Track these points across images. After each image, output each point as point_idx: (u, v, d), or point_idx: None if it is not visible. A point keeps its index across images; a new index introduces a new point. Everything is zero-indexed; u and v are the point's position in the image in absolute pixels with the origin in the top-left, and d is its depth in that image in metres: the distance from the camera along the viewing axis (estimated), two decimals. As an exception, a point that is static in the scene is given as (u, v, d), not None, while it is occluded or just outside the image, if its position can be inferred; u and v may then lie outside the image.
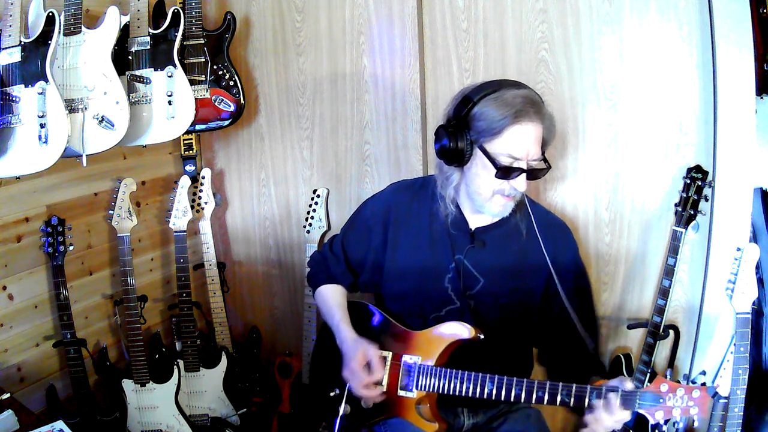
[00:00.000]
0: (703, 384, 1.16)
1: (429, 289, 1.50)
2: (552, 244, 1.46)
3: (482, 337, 1.38)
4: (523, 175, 1.35)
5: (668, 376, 1.31)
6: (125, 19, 1.76)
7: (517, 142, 1.33)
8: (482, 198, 1.41)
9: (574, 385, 1.22)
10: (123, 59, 1.77)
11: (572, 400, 1.22)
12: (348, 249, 1.64)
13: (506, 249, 1.48)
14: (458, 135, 1.36)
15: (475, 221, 1.50)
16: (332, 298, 1.61)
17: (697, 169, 1.60)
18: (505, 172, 1.34)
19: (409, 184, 1.63)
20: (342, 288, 1.65)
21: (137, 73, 1.79)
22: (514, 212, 1.46)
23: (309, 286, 1.74)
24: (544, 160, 1.39)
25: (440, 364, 1.39)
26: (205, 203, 2.22)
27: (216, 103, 2.01)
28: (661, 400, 1.13)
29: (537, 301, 1.50)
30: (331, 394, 1.48)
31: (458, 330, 1.39)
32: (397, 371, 1.43)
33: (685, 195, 1.60)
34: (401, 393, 1.41)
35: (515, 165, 1.34)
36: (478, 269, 1.48)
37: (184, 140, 2.20)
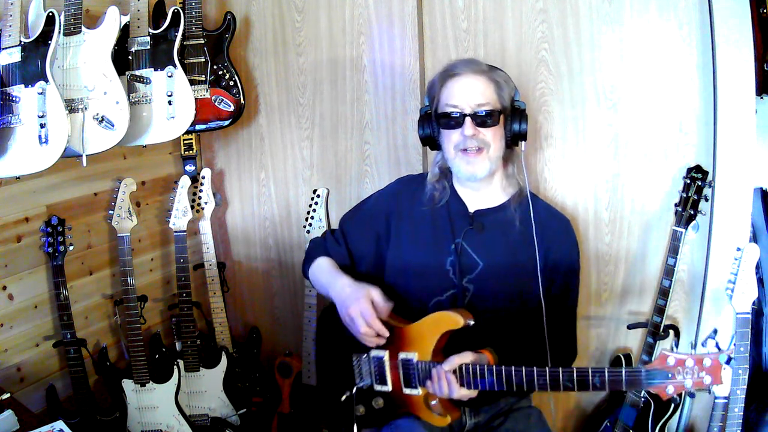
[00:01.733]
0: (717, 348, 1.08)
1: (431, 273, 1.50)
2: (550, 235, 1.48)
3: (472, 323, 1.37)
4: (468, 119, 1.40)
5: (675, 349, 1.26)
6: (125, 19, 1.76)
7: (453, 91, 1.43)
8: (451, 162, 1.48)
9: (575, 369, 1.20)
10: (123, 59, 1.77)
11: (575, 385, 1.20)
12: (349, 236, 1.64)
13: (505, 234, 1.49)
14: (425, 120, 1.51)
15: (473, 203, 1.52)
16: (327, 263, 1.60)
17: (697, 169, 1.60)
18: (446, 120, 1.44)
19: (414, 176, 1.68)
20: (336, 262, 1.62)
21: (137, 73, 1.79)
22: (515, 198, 1.50)
23: (303, 268, 1.68)
24: (504, 111, 1.44)
25: (437, 357, 1.38)
26: (205, 203, 2.22)
27: (216, 103, 2.01)
28: (670, 375, 1.08)
29: (536, 290, 1.47)
30: (343, 398, 1.47)
31: (448, 320, 1.37)
32: (397, 370, 1.42)
33: (685, 195, 1.61)
34: (407, 391, 1.41)
35: (458, 112, 1.42)
36: (477, 252, 1.48)
37: (184, 140, 2.20)
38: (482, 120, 1.41)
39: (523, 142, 1.47)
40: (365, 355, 1.48)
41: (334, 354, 1.57)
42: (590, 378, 1.18)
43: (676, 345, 1.74)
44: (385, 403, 1.44)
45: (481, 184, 1.50)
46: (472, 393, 1.32)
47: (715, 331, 1.56)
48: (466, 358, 1.32)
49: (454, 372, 1.31)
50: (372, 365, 1.46)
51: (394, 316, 1.47)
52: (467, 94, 1.42)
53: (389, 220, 1.58)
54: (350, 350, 1.51)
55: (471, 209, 1.52)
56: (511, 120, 1.46)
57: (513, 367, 1.25)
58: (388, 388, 1.44)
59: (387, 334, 1.40)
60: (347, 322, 1.43)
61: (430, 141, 1.53)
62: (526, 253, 1.46)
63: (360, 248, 1.62)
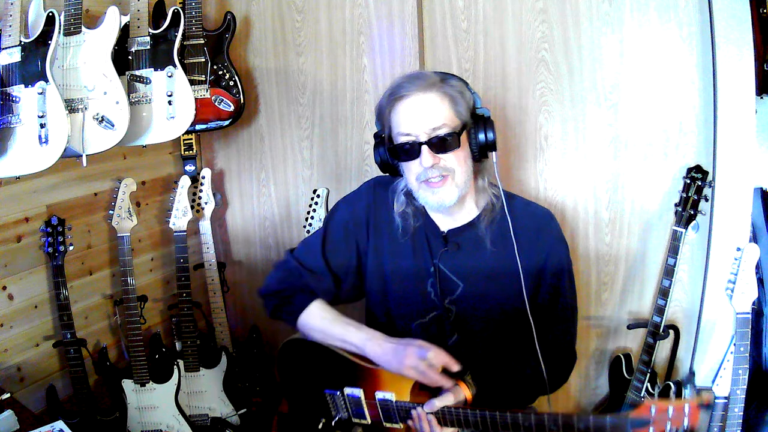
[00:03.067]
0: (699, 391, 1.14)
1: (412, 295, 1.45)
2: (531, 237, 1.38)
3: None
4: (425, 148, 1.27)
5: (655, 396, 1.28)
6: (125, 19, 1.76)
7: (402, 117, 1.30)
8: (415, 193, 1.36)
9: (560, 415, 1.16)
10: (123, 59, 1.77)
11: (560, 428, 1.16)
12: (330, 257, 1.49)
13: (483, 249, 1.39)
14: (380, 145, 1.39)
15: (445, 224, 1.43)
16: (327, 312, 1.46)
17: (697, 169, 1.60)
18: (402, 152, 1.31)
19: (388, 181, 1.49)
20: (326, 303, 1.49)
21: (137, 73, 1.79)
22: (489, 211, 1.40)
23: (283, 319, 1.50)
24: (464, 128, 1.31)
25: (416, 396, 1.31)
26: (205, 203, 2.22)
27: (216, 103, 2.01)
28: (652, 422, 1.10)
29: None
30: (320, 426, 1.45)
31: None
32: (375, 408, 1.36)
33: (685, 195, 1.61)
34: (388, 425, 1.36)
35: (412, 140, 1.28)
36: (456, 273, 1.41)
37: (184, 140, 2.20)
38: (440, 145, 1.27)
39: (494, 153, 1.34)
40: (338, 392, 1.41)
41: (302, 387, 1.51)
42: (576, 423, 1.15)
43: (676, 345, 1.74)
44: (366, 430, 1.40)
45: (453, 209, 1.38)
46: (454, 431, 1.28)
47: (693, 373, 1.57)
48: (447, 399, 1.26)
49: (435, 414, 1.26)
50: (348, 402, 1.40)
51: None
52: (419, 117, 1.27)
53: (369, 231, 1.48)
54: (318, 383, 1.45)
55: (443, 229, 1.43)
56: (476, 131, 1.32)
57: (498, 412, 1.20)
58: (367, 421, 1.39)
59: (449, 384, 1.28)
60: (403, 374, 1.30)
61: (389, 168, 1.41)
62: (507, 266, 1.36)
63: (344, 266, 1.50)
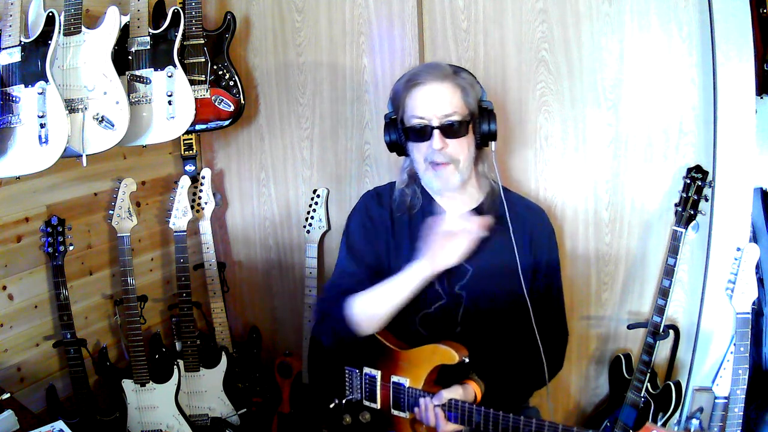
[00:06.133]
0: (700, 428, 1.17)
1: None
2: (529, 227, 1.49)
3: (467, 360, 1.35)
4: (436, 132, 1.37)
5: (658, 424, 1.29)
6: (125, 19, 1.76)
7: (418, 102, 1.39)
8: (422, 173, 1.45)
9: (561, 426, 1.21)
10: (123, 59, 1.77)
11: None
12: (360, 256, 1.52)
13: (489, 233, 1.44)
14: (391, 126, 1.47)
15: (453, 209, 1.50)
16: (367, 290, 1.45)
17: (697, 169, 1.60)
18: (414, 133, 1.41)
19: (380, 191, 1.61)
20: None
21: (137, 73, 1.79)
22: (489, 197, 1.50)
23: (341, 328, 1.45)
24: (472, 117, 1.41)
25: (429, 387, 1.37)
26: (205, 203, 2.22)
27: (216, 103, 2.01)
28: None
29: (527, 284, 1.46)
30: (331, 405, 1.48)
31: (444, 354, 1.36)
32: (387, 391, 1.42)
33: (685, 195, 1.61)
34: (395, 412, 1.41)
35: (425, 123, 1.38)
36: (465, 258, 1.45)
37: (184, 140, 2.20)
38: (450, 130, 1.38)
39: (493, 142, 1.45)
40: (357, 370, 1.47)
41: (327, 360, 1.55)
42: None
43: (676, 345, 1.74)
44: (372, 418, 1.45)
45: (458, 194, 1.49)
46: (459, 427, 1.31)
47: (701, 410, 1.58)
48: (456, 392, 1.31)
49: (443, 406, 1.31)
50: (363, 381, 1.46)
51: (392, 338, 1.47)
52: (433, 104, 1.38)
53: (379, 233, 1.53)
54: (343, 361, 1.50)
55: (451, 215, 1.49)
56: (480, 122, 1.42)
57: (501, 413, 1.25)
58: (377, 405, 1.44)
59: (491, 220, 1.40)
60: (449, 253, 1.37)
61: (397, 148, 1.50)
62: (511, 249, 1.44)
63: (375, 264, 1.52)
